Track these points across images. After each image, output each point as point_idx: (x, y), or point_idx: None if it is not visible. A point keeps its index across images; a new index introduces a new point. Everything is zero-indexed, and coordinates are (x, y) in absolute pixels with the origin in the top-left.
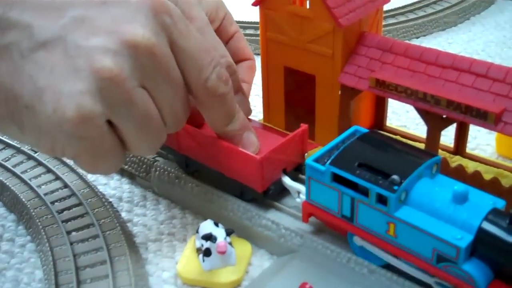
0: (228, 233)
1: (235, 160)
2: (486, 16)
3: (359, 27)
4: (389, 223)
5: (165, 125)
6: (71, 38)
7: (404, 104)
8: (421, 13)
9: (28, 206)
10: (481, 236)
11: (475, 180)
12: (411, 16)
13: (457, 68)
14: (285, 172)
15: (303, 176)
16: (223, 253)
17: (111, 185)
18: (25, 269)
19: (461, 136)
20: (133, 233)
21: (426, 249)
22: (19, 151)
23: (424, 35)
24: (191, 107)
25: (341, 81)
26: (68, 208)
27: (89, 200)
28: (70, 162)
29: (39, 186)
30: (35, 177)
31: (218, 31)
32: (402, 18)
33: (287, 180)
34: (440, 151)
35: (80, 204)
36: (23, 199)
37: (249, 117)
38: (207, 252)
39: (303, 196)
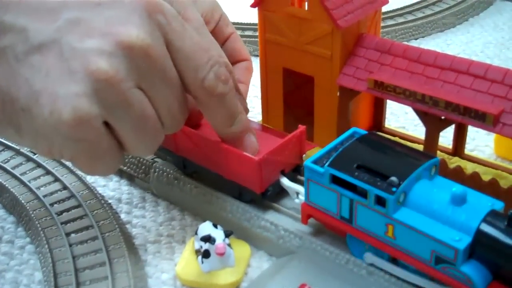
0: (227, 234)
1: (233, 162)
2: (484, 17)
3: (358, 29)
4: (387, 224)
5: (162, 126)
6: (66, 41)
7: (402, 105)
8: (419, 15)
9: (28, 207)
10: (480, 237)
11: (473, 181)
12: (410, 17)
13: (455, 69)
14: (283, 173)
15: (301, 177)
16: (222, 254)
17: (110, 187)
18: (24, 271)
19: (460, 138)
20: (132, 234)
21: (424, 251)
22: (18, 152)
23: (423, 37)
24: (191, 107)
25: (340, 83)
26: (67, 210)
27: (88, 201)
28: (69, 164)
29: (38, 188)
30: (35, 179)
31: (214, 33)
32: (400, 20)
33: (285, 181)
34: (438, 152)
35: (79, 205)
36: (23, 201)
37: (251, 115)
38: (206, 254)
39: (301, 197)
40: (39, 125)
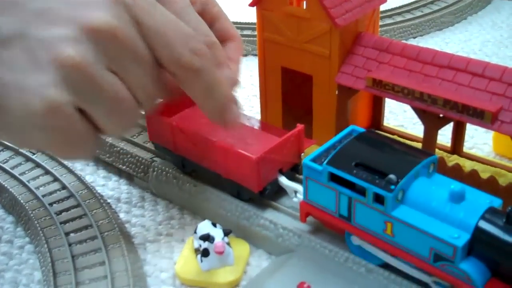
0: (226, 233)
1: (231, 161)
2: (483, 15)
3: (356, 27)
4: (386, 222)
5: (139, 104)
6: (32, 32)
7: (401, 103)
8: (418, 13)
9: (27, 207)
10: (478, 235)
11: (472, 179)
12: (408, 16)
13: (453, 67)
14: (282, 172)
15: (299, 176)
16: (221, 253)
17: (109, 186)
18: (24, 271)
19: (458, 135)
20: (131, 234)
21: (423, 248)
22: (17, 152)
23: (421, 35)
24: (168, 81)
25: (338, 81)
26: (67, 210)
27: (88, 201)
28: (68, 163)
29: (37, 188)
30: (34, 179)
31: (202, 13)
32: (399, 18)
33: (283, 180)
34: (437, 150)
35: (78, 205)
36: (22, 201)
37: (248, 115)
38: (205, 253)
39: (300, 196)
40: (12, 119)
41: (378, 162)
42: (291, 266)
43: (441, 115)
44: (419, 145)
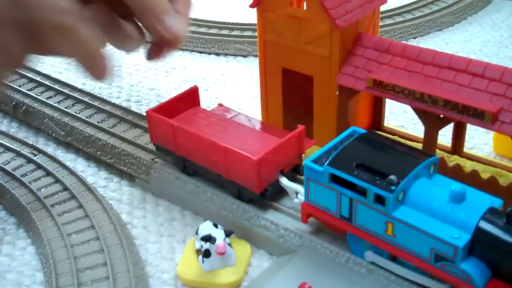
0: (227, 234)
1: (232, 161)
2: (483, 15)
3: (356, 28)
4: (387, 223)
5: None
6: None
7: (401, 104)
8: (418, 14)
9: (28, 209)
10: (479, 235)
11: (472, 179)
12: (408, 16)
13: (454, 68)
14: (283, 173)
15: (300, 177)
16: (222, 254)
17: (110, 187)
18: (26, 272)
19: (459, 136)
20: (133, 235)
21: (424, 249)
22: (18, 154)
23: (421, 35)
24: None
25: (339, 82)
26: (68, 211)
27: (89, 202)
28: (70, 164)
29: (39, 189)
30: (35, 180)
31: None
32: (399, 19)
33: (284, 181)
34: (437, 150)
35: (80, 206)
36: (23, 202)
37: (249, 115)
38: (206, 253)
39: (301, 197)
40: None
41: (379, 163)
42: (293, 267)
43: (441, 116)
44: (419, 146)
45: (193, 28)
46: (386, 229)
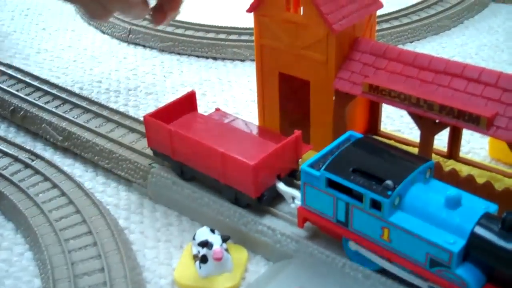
0: (224, 239)
1: (229, 167)
2: (479, 20)
3: (353, 33)
4: (383, 228)
5: None
6: None
7: (398, 108)
8: (415, 18)
9: (26, 214)
10: (474, 240)
11: (468, 183)
12: (405, 20)
13: (449, 73)
14: (279, 177)
15: (297, 182)
16: (219, 259)
17: (108, 192)
18: (23, 278)
19: (455, 141)
20: (130, 240)
21: (419, 254)
22: (16, 160)
23: (418, 39)
24: None
25: (336, 87)
26: (66, 217)
27: (86, 207)
28: (67, 169)
29: (36, 195)
30: (33, 185)
31: None
32: (396, 23)
33: (281, 186)
34: (434, 155)
35: (77, 212)
36: (21, 208)
37: (246, 120)
38: (203, 259)
39: (297, 202)
40: None
41: (375, 168)
42: (289, 272)
43: (437, 121)
44: (416, 150)
45: (191, 33)
46: (382, 234)
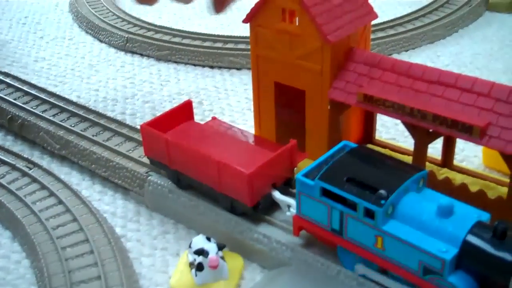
0: (220, 247)
1: (225, 175)
2: (474, 29)
3: (348, 43)
4: (377, 236)
5: None
6: None
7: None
8: (410, 27)
9: (23, 222)
10: (466, 248)
11: (462, 192)
12: (400, 29)
13: (443, 83)
14: (275, 186)
15: (292, 190)
16: (215, 267)
17: (105, 201)
18: (21, 285)
19: (448, 149)
20: (126, 248)
21: (412, 262)
22: (14, 168)
23: (413, 48)
24: None
25: (330, 96)
26: (63, 225)
27: (83, 216)
28: (64, 178)
29: (34, 203)
30: (30, 194)
31: None
32: (391, 32)
33: (277, 194)
34: (428, 164)
35: (74, 220)
36: (18, 216)
37: (243, 128)
38: (199, 267)
39: (293, 210)
40: None
41: (369, 177)
42: (284, 280)
43: (430, 130)
44: (410, 159)
45: (188, 41)
46: (376, 243)
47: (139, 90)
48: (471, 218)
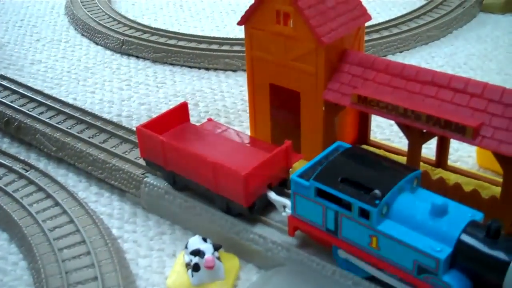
0: (216, 248)
1: (221, 176)
2: (468, 30)
3: (342, 45)
4: (371, 236)
5: None
6: None
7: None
8: (404, 28)
9: (20, 224)
10: (460, 248)
11: (456, 192)
12: (395, 30)
13: (436, 83)
14: (270, 187)
15: (288, 191)
16: (211, 268)
17: (101, 202)
18: (18, 287)
19: (443, 150)
20: (123, 249)
21: (407, 261)
22: (11, 170)
23: (408, 49)
24: None
25: (325, 98)
26: (60, 226)
27: (80, 217)
28: (61, 179)
29: (30, 205)
30: (27, 196)
31: None
32: (385, 33)
33: (272, 195)
34: (422, 164)
35: (71, 221)
36: (15, 218)
37: (238, 130)
38: (195, 267)
39: (288, 210)
40: None
41: (363, 177)
42: (280, 279)
43: (424, 131)
44: (405, 159)
45: (183, 43)
46: (371, 242)
47: (135, 92)
48: (465, 218)
